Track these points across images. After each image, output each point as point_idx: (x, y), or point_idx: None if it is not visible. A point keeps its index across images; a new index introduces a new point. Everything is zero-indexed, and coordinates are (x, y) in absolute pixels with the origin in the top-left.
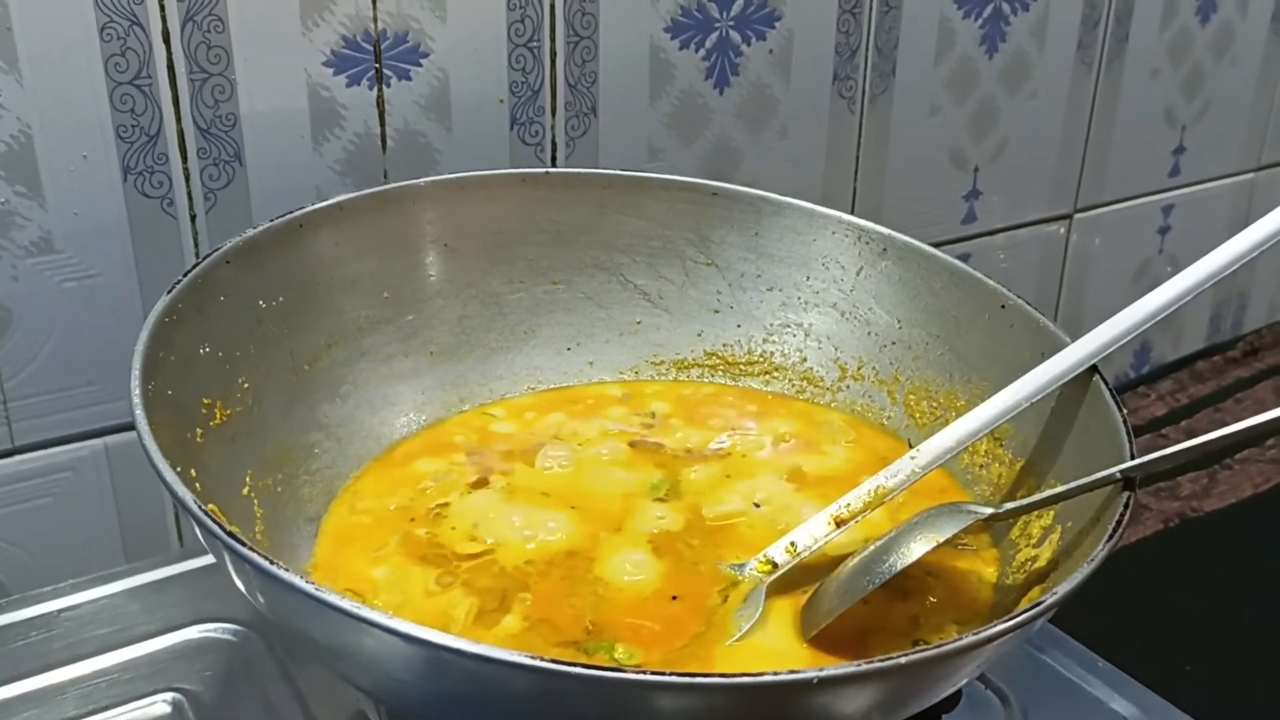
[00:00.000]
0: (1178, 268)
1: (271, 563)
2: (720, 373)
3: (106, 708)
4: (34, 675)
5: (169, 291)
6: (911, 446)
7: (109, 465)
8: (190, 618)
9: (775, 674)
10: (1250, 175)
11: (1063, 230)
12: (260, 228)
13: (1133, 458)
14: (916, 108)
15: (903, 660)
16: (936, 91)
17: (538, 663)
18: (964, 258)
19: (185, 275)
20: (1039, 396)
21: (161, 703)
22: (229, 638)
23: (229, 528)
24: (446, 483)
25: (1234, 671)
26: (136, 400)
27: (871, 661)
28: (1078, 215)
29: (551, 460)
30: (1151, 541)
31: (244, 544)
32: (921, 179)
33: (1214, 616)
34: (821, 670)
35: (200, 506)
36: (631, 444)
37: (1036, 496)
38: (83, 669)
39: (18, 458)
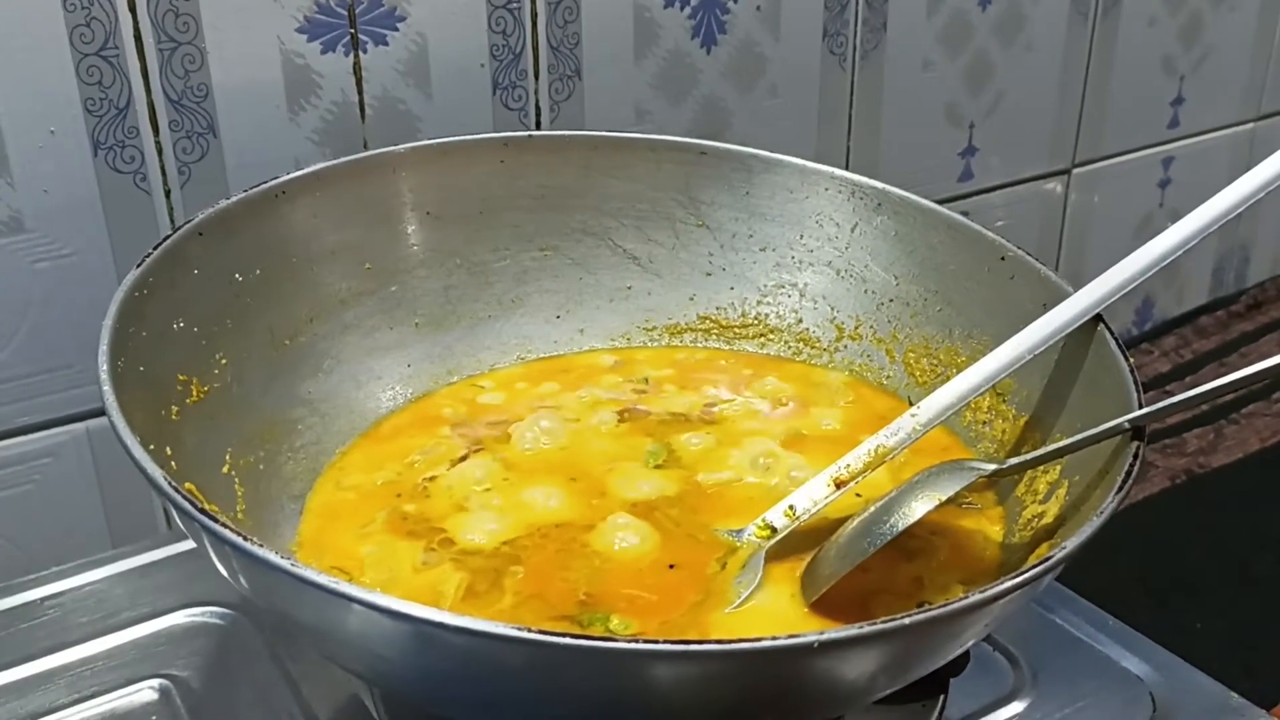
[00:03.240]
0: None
1: (246, 539)
2: (714, 336)
3: (93, 695)
4: (19, 664)
5: (139, 265)
6: (912, 405)
7: (91, 449)
8: (178, 602)
9: (774, 639)
10: (1250, 125)
11: (1061, 186)
12: (234, 198)
13: (1141, 407)
14: (909, 63)
15: (907, 621)
16: (929, 46)
17: (525, 634)
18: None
19: (156, 247)
20: (1042, 348)
21: (149, 689)
22: (217, 622)
23: (204, 505)
24: (435, 456)
25: (1244, 627)
26: (104, 376)
27: (874, 623)
28: (1076, 170)
29: (543, 431)
30: (1158, 498)
31: (218, 521)
32: (917, 137)
33: (1223, 572)
34: (822, 633)
35: (173, 484)
36: (625, 412)
37: (1041, 450)
38: (69, 657)
39: None
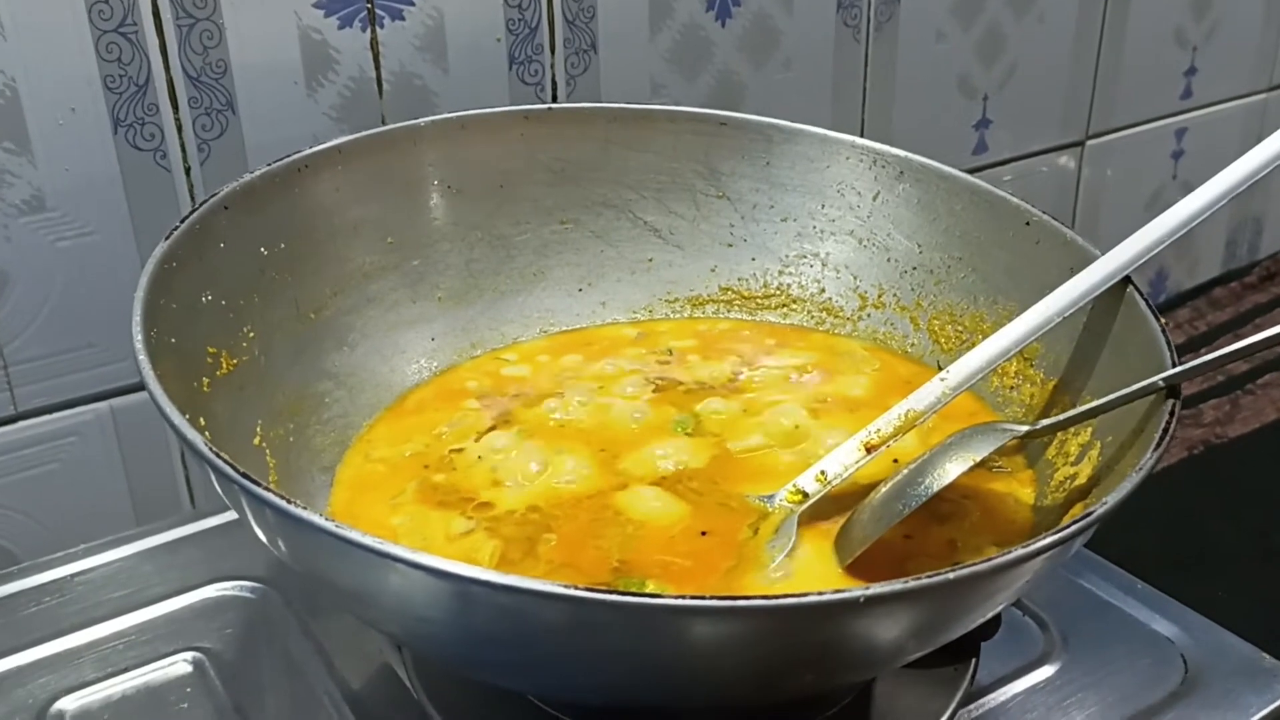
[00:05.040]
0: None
1: (290, 502)
2: (736, 308)
3: (125, 670)
4: (50, 640)
5: (167, 237)
6: (940, 370)
7: (115, 428)
8: (206, 577)
9: (820, 593)
10: (1262, 95)
11: (1074, 158)
12: (258, 172)
13: (1175, 366)
14: (923, 35)
15: (951, 576)
16: (942, 17)
17: (572, 592)
18: None
19: (183, 221)
20: (1071, 311)
21: (182, 662)
22: (246, 595)
23: (244, 470)
24: (461, 428)
25: (1266, 596)
26: (139, 347)
27: (919, 578)
28: (1089, 142)
29: (568, 402)
30: (1176, 469)
31: (261, 485)
32: (931, 109)
33: (1244, 541)
34: (868, 588)
35: (213, 450)
36: (650, 382)
37: (1074, 411)
38: (99, 632)
39: (21, 423)
